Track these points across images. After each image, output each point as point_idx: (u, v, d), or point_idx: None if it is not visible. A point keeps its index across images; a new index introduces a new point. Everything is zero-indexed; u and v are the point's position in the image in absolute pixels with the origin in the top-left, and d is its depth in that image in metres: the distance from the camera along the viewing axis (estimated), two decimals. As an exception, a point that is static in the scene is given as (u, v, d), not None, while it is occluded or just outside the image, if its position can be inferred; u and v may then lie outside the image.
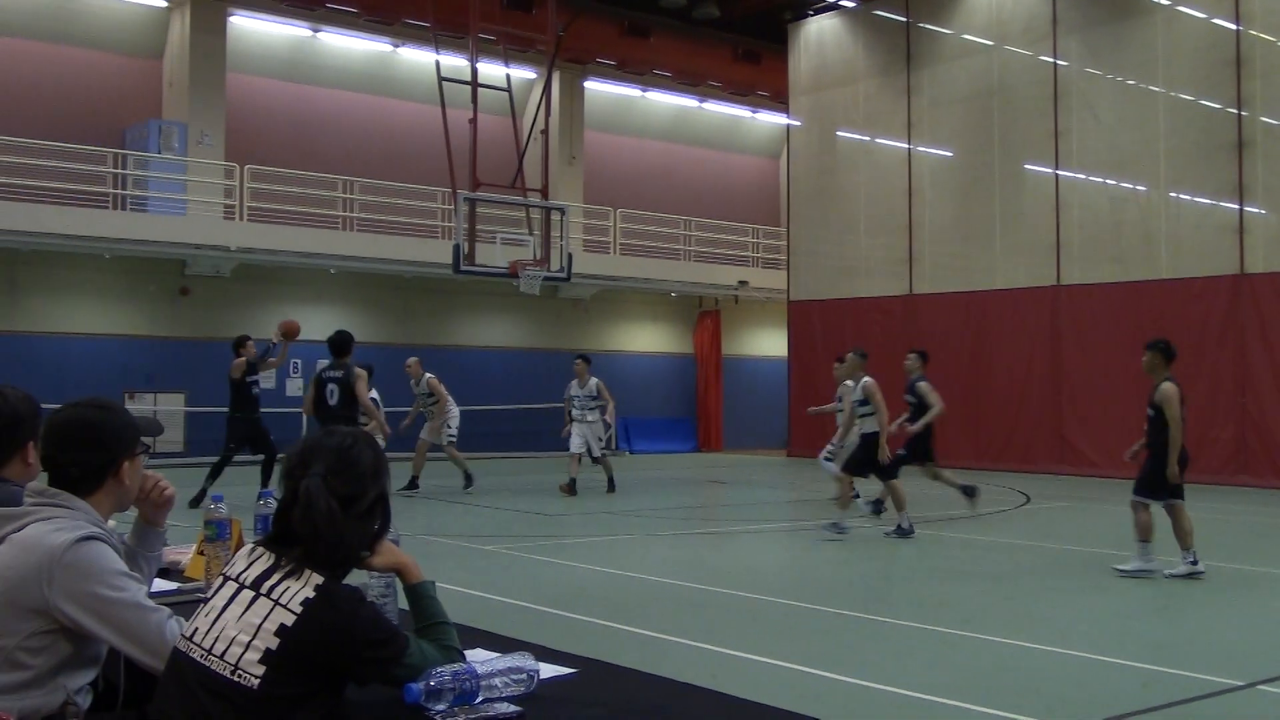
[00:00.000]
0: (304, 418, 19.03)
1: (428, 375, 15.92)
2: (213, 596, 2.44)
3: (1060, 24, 20.18)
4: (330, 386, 11.46)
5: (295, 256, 20.76)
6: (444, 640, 2.53)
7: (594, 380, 15.81)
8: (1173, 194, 19.01)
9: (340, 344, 11.84)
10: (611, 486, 15.78)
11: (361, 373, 11.56)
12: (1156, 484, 9.26)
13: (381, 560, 2.59)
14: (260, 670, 2.27)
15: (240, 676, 2.27)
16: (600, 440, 15.94)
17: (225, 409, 14.17)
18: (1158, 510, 9.30)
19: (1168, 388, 9.48)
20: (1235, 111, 17.95)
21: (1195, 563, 9.10)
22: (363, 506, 2.46)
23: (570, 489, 15.49)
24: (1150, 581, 9.24)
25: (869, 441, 12.05)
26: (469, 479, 15.78)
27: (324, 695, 2.34)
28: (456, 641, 2.57)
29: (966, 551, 11.17)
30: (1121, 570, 9.25)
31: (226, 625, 2.34)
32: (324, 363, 13.05)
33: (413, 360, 16.28)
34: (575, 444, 15.63)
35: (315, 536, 2.37)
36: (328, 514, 2.37)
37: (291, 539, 2.40)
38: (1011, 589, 9.18)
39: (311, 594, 2.32)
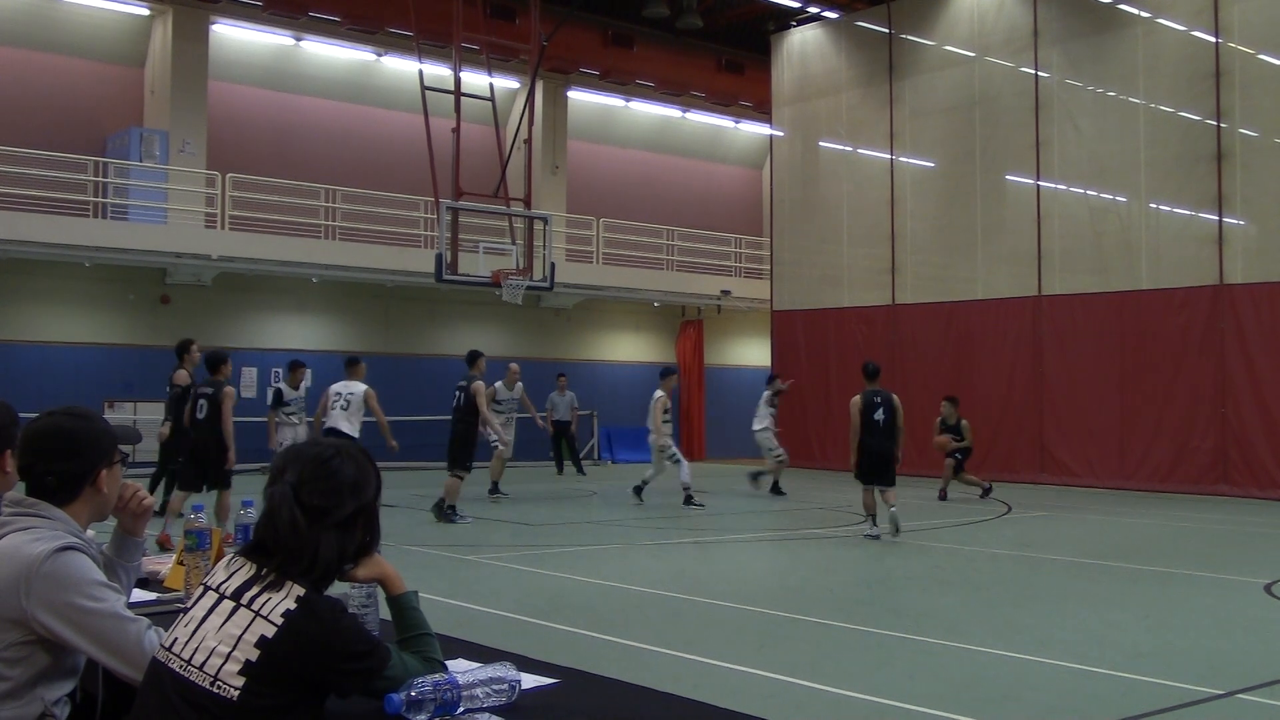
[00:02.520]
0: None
1: (520, 384, 16.82)
2: (192, 607, 2.42)
3: (1041, 36, 20.29)
4: (200, 401, 11.63)
5: (277, 265, 20.69)
6: (426, 652, 2.53)
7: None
8: (1153, 205, 19.12)
9: (213, 361, 11.98)
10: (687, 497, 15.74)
11: (229, 391, 11.72)
12: (860, 472, 12.24)
13: (365, 571, 2.58)
14: (240, 681, 2.26)
15: (219, 688, 2.26)
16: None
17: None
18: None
19: (851, 400, 12.46)
20: (1214, 123, 18.06)
21: (874, 530, 12.14)
22: (338, 519, 2.43)
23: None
24: (1132, 591, 9.33)
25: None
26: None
27: (304, 707, 2.33)
28: (439, 653, 2.56)
29: (947, 560, 11.19)
30: (865, 534, 12.16)
31: (206, 636, 2.32)
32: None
33: (515, 367, 17.41)
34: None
35: (280, 545, 2.36)
36: (290, 523, 2.36)
37: (268, 548, 2.39)
38: (992, 598, 9.21)
39: (292, 605, 2.31)
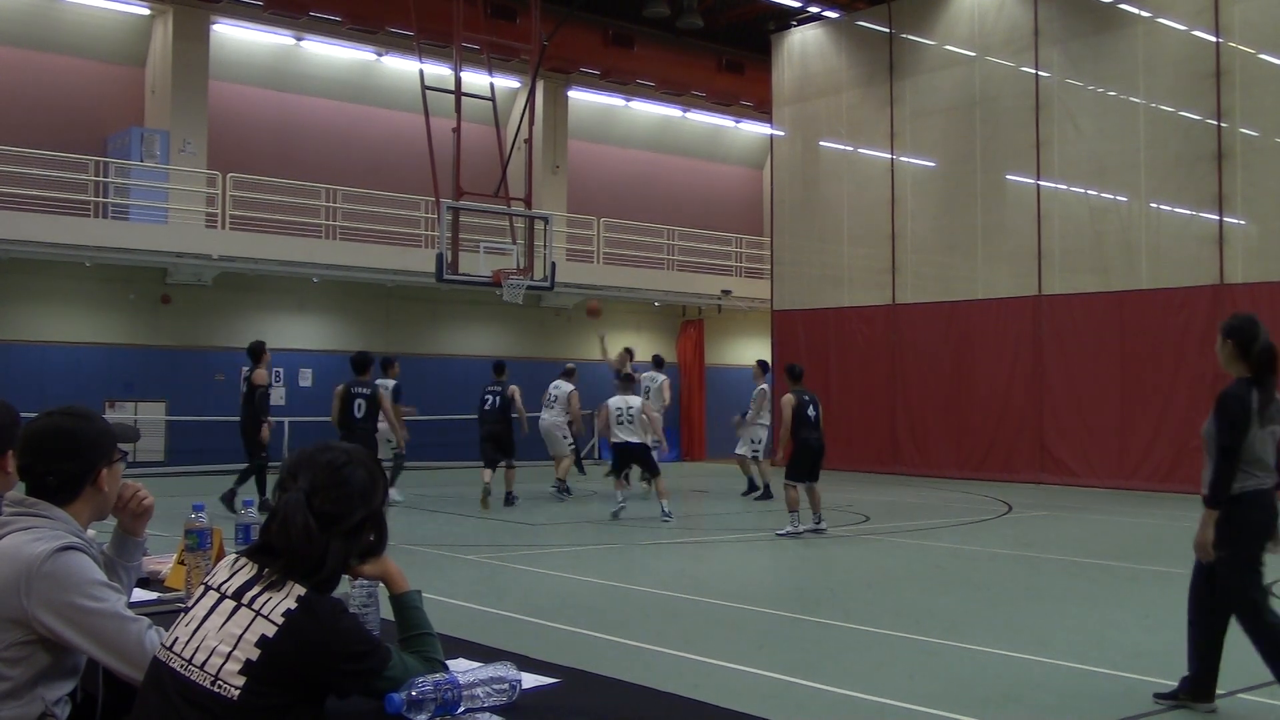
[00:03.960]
0: (286, 426, 19.10)
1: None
2: (193, 606, 2.42)
3: (1042, 35, 20.28)
4: (358, 401, 13.43)
5: (277, 265, 20.68)
6: (427, 652, 2.53)
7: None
8: (1153, 204, 19.11)
9: (362, 363, 13.91)
10: (751, 489, 17.09)
11: (384, 391, 13.65)
12: (793, 469, 12.42)
13: (371, 567, 2.58)
14: (240, 681, 2.26)
15: (220, 687, 2.26)
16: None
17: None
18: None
19: (783, 398, 12.74)
20: (1215, 123, 18.04)
21: (820, 523, 12.51)
22: (348, 525, 2.44)
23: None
24: (1132, 591, 9.33)
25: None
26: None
27: (304, 706, 2.33)
28: (440, 653, 2.56)
29: (947, 560, 11.19)
30: (778, 533, 12.37)
31: (207, 635, 2.32)
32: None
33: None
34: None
35: (290, 551, 2.36)
36: (304, 531, 2.36)
37: (275, 550, 2.39)
38: (993, 597, 9.21)
39: (293, 605, 2.31)
